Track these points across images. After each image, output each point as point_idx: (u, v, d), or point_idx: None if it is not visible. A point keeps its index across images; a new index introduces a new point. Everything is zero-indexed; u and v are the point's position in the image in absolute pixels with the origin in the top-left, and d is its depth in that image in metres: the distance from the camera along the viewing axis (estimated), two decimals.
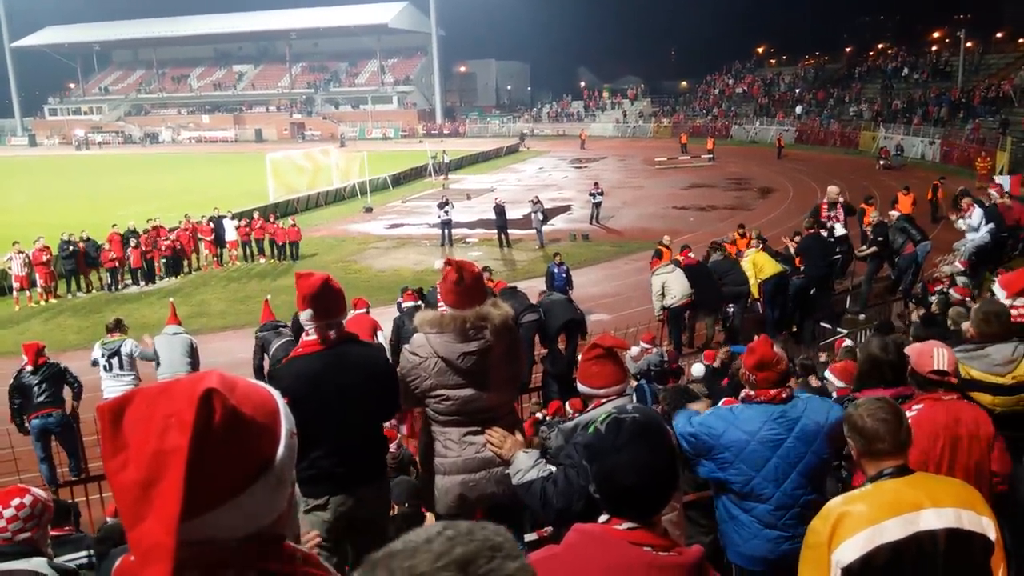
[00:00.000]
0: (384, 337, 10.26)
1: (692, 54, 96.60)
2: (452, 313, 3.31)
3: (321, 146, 45.84)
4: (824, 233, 12.92)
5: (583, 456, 1.81)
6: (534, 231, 22.46)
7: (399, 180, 37.28)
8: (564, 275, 15.28)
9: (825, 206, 13.65)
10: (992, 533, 2.20)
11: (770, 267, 12.02)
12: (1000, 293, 4.31)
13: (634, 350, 9.48)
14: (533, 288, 12.81)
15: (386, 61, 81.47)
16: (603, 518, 1.79)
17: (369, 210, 29.73)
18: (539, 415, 8.52)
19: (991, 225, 12.85)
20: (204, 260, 21.88)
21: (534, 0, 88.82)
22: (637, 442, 1.74)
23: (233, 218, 22.37)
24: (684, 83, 79.97)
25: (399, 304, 11.64)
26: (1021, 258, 13.12)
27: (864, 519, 2.19)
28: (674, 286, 11.97)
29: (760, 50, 71.50)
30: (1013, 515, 3.27)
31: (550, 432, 6.66)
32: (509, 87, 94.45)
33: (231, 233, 21.95)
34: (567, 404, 7.78)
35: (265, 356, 7.91)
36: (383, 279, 18.96)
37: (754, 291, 12.13)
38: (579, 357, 3.69)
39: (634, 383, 8.61)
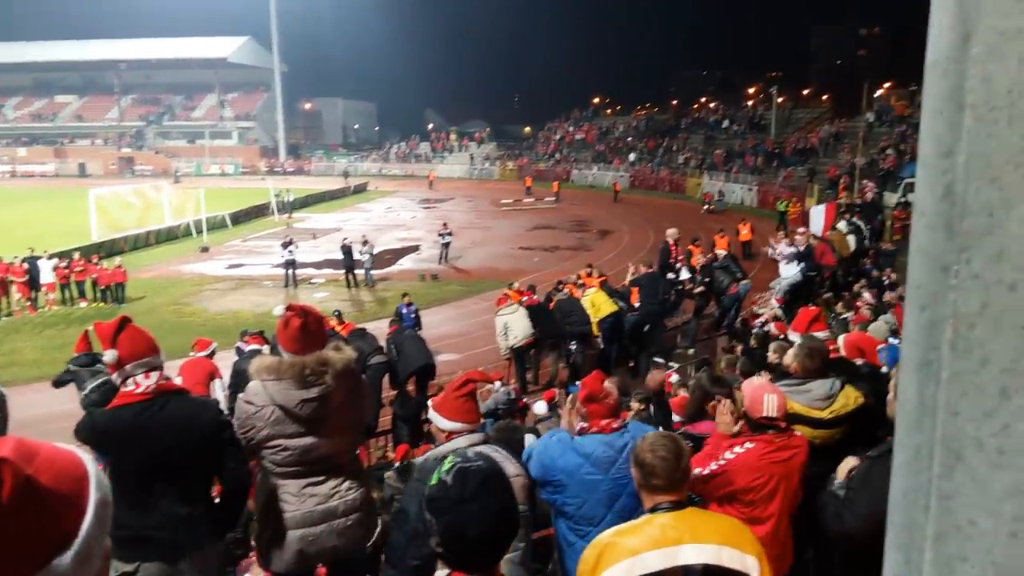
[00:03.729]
0: (223, 384, 9.74)
1: (534, 101, 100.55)
2: (291, 359, 3.21)
3: (153, 182, 43.29)
4: (671, 275, 13.71)
5: (426, 509, 1.77)
6: (363, 271, 22.41)
7: (239, 218, 35.72)
8: (413, 315, 15.22)
9: (673, 246, 14.50)
10: (755, 572, 2.26)
11: (607, 306, 12.57)
12: (792, 334, 4.73)
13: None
14: (382, 328, 12.65)
15: (226, 95, 78.50)
16: (442, 573, 1.75)
17: (205, 250, 28.29)
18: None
19: (803, 264, 14.17)
20: (16, 304, 19.90)
21: (382, 41, 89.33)
22: (485, 491, 1.71)
23: (51, 258, 20.55)
24: (527, 128, 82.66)
25: (239, 348, 11.10)
26: (829, 294, 14.51)
27: (627, 550, 2.24)
28: (515, 326, 12.24)
29: (596, 100, 75.31)
30: (818, 541, 3.60)
31: (397, 477, 6.58)
32: (356, 126, 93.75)
33: (48, 275, 20.12)
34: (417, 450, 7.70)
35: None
36: (220, 322, 18.02)
37: (594, 329, 12.63)
38: (429, 400, 3.66)
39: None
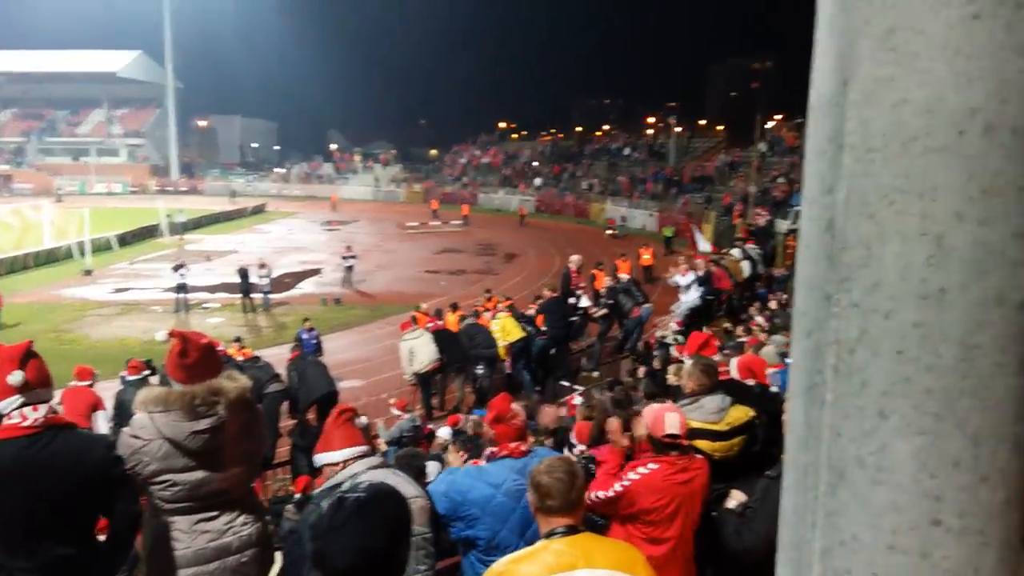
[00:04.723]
0: (107, 415, 9.22)
1: (441, 124, 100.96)
2: (179, 389, 3.05)
3: (33, 201, 40.81)
4: (572, 300, 13.95)
5: (307, 536, 1.74)
6: (261, 295, 21.86)
7: (127, 240, 34.01)
8: (315, 341, 14.88)
9: (575, 273, 14.77)
10: None
11: (516, 331, 12.68)
12: (685, 357, 4.91)
13: None
14: (281, 356, 12.31)
15: (114, 111, 74.95)
16: None
17: (88, 273, 26.77)
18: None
19: (702, 289, 14.73)
20: None
21: (284, 58, 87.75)
22: (356, 522, 1.69)
23: None
24: (434, 151, 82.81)
25: (123, 377, 10.52)
26: (726, 318, 15.11)
27: None
28: (421, 351, 12.16)
29: (503, 125, 76.32)
30: (717, 559, 3.72)
31: (296, 510, 6.37)
32: (255, 145, 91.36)
33: None
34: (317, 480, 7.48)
35: None
36: (105, 350, 17.02)
37: (501, 353, 12.70)
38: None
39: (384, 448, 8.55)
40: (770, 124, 45.12)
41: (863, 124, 0.87)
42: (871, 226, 0.87)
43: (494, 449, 3.48)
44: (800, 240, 0.98)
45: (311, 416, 10.16)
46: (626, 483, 3.39)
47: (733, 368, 5.32)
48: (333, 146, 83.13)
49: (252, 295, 21.58)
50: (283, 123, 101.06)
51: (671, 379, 6.46)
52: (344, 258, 25.52)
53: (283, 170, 71.35)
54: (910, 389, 0.86)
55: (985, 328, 0.84)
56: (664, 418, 3.48)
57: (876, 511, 0.88)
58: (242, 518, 3.25)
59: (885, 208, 0.86)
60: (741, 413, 4.21)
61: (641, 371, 10.25)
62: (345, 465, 3.17)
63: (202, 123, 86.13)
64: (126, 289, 24.86)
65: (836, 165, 0.90)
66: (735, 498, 3.72)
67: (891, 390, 0.86)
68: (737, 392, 4.48)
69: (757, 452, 4.08)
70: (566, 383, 12.44)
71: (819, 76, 0.94)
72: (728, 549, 3.62)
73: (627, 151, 55.26)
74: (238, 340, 12.56)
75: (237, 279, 21.71)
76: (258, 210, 50.60)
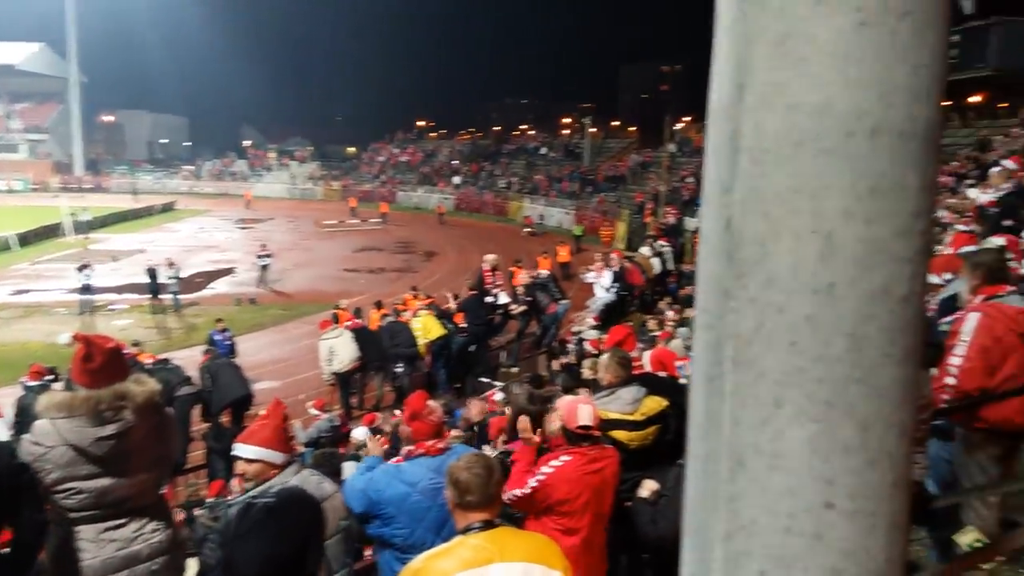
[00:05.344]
0: (7, 423, 8.74)
1: (358, 121, 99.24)
2: (84, 394, 2.93)
3: None
4: (490, 299, 13.96)
5: (216, 543, 1.69)
6: (170, 295, 21.16)
7: (28, 240, 32.28)
8: (228, 342, 14.44)
9: (488, 273, 14.79)
10: None
11: (437, 329, 12.63)
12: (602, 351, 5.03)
13: None
14: (192, 358, 11.91)
15: (13, 105, 70.63)
16: None
17: None
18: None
19: (616, 284, 15.03)
20: None
21: (196, 53, 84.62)
22: (262, 530, 1.65)
23: None
24: (352, 148, 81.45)
25: (24, 383, 9.99)
26: (639, 312, 15.45)
27: (439, 573, 2.30)
28: (341, 350, 11.99)
29: (421, 123, 75.73)
30: (632, 547, 3.81)
31: (211, 515, 6.18)
32: (165, 141, 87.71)
33: None
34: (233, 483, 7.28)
35: None
36: (5, 354, 16.20)
37: (422, 351, 12.63)
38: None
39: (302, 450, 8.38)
40: (679, 126, 46.27)
41: (758, 127, 0.91)
42: (766, 224, 0.91)
43: (411, 448, 3.47)
44: (701, 238, 1.02)
45: (225, 419, 9.88)
46: (540, 478, 3.43)
47: (645, 361, 5.45)
48: (247, 142, 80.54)
49: (161, 296, 20.81)
50: (194, 118, 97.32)
51: (586, 373, 6.56)
52: (259, 257, 24.91)
53: (194, 167, 68.88)
54: (803, 379, 0.90)
55: (872, 320, 0.89)
56: (577, 410, 3.55)
57: (773, 496, 0.92)
58: (152, 525, 3.15)
59: (779, 207, 0.90)
60: (655, 403, 4.33)
61: (557, 365, 10.38)
62: (262, 467, 3.09)
63: (108, 118, 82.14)
64: (27, 291, 23.66)
65: (733, 166, 0.94)
66: (649, 487, 3.81)
67: (785, 380, 0.91)
68: (651, 383, 4.61)
69: (670, 441, 4.20)
70: (485, 379, 12.47)
71: (718, 81, 0.97)
72: (643, 537, 3.71)
73: (544, 151, 55.75)
74: (136, 344, 12.06)
75: (145, 279, 20.94)
76: (167, 208, 48.75)
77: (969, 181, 14.93)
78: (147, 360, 10.80)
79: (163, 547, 3.16)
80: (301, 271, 27.84)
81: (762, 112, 0.91)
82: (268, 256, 24.97)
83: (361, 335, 12.44)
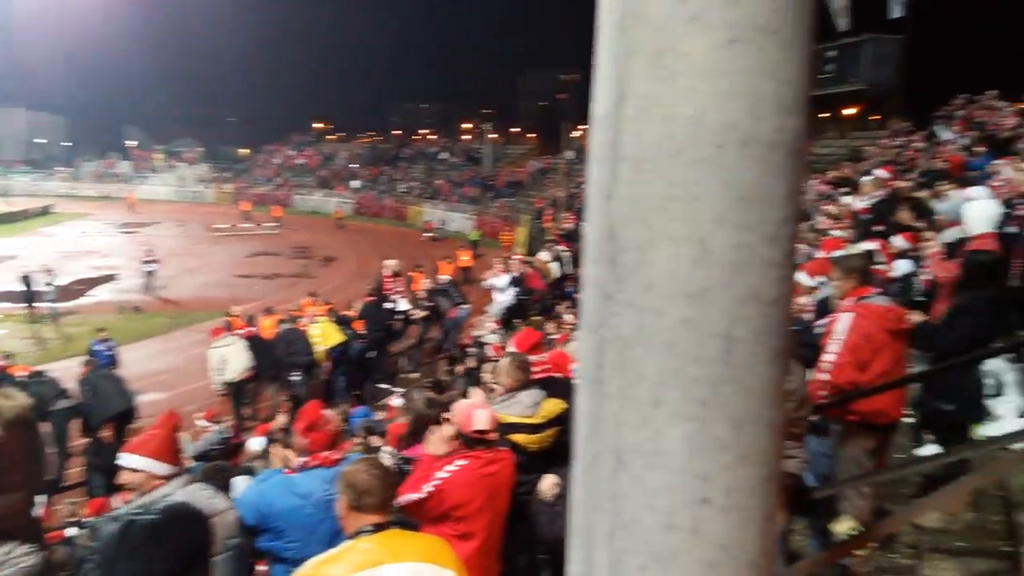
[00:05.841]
0: None
1: (252, 122, 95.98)
2: None
3: None
4: (390, 305, 13.78)
5: (95, 562, 1.60)
6: (47, 304, 19.87)
7: None
8: (110, 353, 13.68)
9: (388, 278, 14.61)
10: None
11: (335, 336, 12.38)
12: (514, 351, 5.07)
13: None
14: (72, 369, 11.22)
15: None
16: None
17: None
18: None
19: (516, 289, 15.15)
20: None
21: (76, 46, 79.77)
22: (144, 548, 1.59)
23: None
24: (244, 150, 78.78)
25: None
26: (539, 316, 15.62)
27: None
28: (233, 359, 11.59)
29: (318, 125, 74.15)
30: (531, 547, 3.84)
31: (90, 535, 5.83)
32: (42, 140, 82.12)
33: None
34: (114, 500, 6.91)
35: None
36: None
37: (320, 359, 12.35)
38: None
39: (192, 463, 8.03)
40: (577, 133, 47.17)
41: (637, 137, 0.94)
42: (644, 231, 0.94)
43: (305, 459, 3.38)
44: (585, 244, 1.04)
45: (107, 433, 9.35)
46: (435, 483, 3.42)
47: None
48: (131, 142, 76.53)
49: (36, 304, 19.52)
50: (74, 117, 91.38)
51: (486, 377, 6.59)
52: (144, 263, 23.81)
53: (73, 168, 64.91)
54: (680, 379, 0.94)
55: (743, 322, 0.94)
56: (473, 414, 3.56)
57: (653, 493, 0.95)
58: (22, 548, 2.94)
59: (656, 214, 0.93)
60: (554, 406, 4.39)
61: (458, 370, 10.38)
62: (149, 479, 2.94)
63: None
64: None
65: (614, 174, 0.96)
66: (550, 481, 3.85)
67: (664, 381, 0.94)
68: (550, 386, 4.66)
69: (569, 443, 4.26)
70: (385, 385, 12.33)
71: (600, 91, 1.00)
72: (541, 537, 3.75)
73: (444, 155, 55.70)
74: (8, 356, 11.29)
75: (20, 287, 19.59)
76: (44, 211, 45.67)
77: (843, 190, 15.88)
78: (20, 373, 10.16)
79: (35, 571, 2.97)
80: (190, 277, 26.70)
81: (641, 122, 0.94)
82: (154, 262, 23.94)
83: (254, 343, 12.07)
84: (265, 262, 30.80)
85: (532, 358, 4.88)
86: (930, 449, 5.24)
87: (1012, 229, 6.98)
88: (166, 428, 3.06)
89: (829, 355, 4.28)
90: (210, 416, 9.72)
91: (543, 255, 18.33)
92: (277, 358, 12.10)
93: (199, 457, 8.42)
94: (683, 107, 0.92)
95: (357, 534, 2.42)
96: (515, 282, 15.18)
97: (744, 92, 0.92)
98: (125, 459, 3.11)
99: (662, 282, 0.93)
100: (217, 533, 2.61)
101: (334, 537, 3.18)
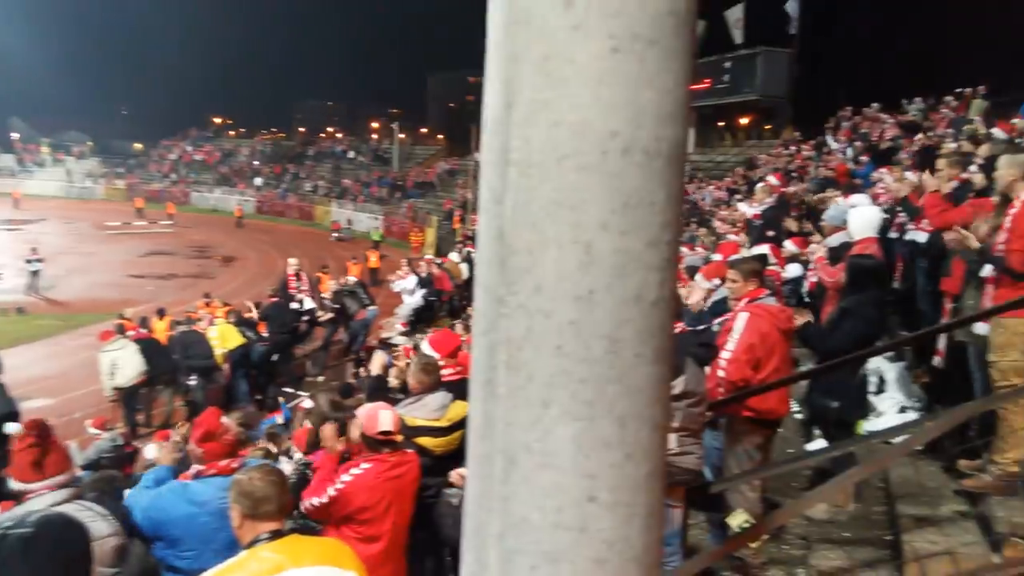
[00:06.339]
0: None
1: (145, 116, 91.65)
2: None
3: None
4: (295, 305, 13.45)
5: None
6: None
7: None
8: None
9: (292, 277, 14.25)
10: None
11: (235, 338, 11.99)
12: (431, 352, 5.04)
13: None
14: None
15: None
16: None
17: None
18: None
19: (424, 290, 15.10)
20: None
21: None
22: (17, 563, 1.50)
23: None
24: (138, 145, 75.24)
25: None
26: (448, 317, 15.60)
27: None
28: (125, 363, 11.07)
29: (218, 120, 71.66)
30: (437, 550, 3.83)
31: None
32: None
33: None
34: None
35: None
36: None
37: (219, 361, 11.93)
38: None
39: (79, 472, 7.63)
40: None
41: (525, 142, 0.96)
42: (533, 234, 0.96)
43: (202, 468, 3.26)
44: (477, 246, 1.05)
45: None
46: (340, 486, 3.37)
47: None
48: (15, 135, 71.74)
49: None
50: None
51: (393, 380, 6.52)
52: (28, 261, 22.61)
53: None
54: (567, 380, 0.96)
55: (627, 324, 0.97)
56: (378, 416, 3.53)
57: (543, 493, 0.97)
58: None
59: (544, 218, 0.95)
60: (462, 409, 4.38)
61: (366, 373, 10.22)
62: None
63: None
64: None
65: (504, 178, 0.98)
66: (459, 473, 3.84)
67: (552, 382, 0.96)
68: (458, 388, 4.66)
69: None
70: (289, 389, 12.03)
71: (490, 95, 1.01)
72: (446, 539, 3.75)
73: (351, 154, 54.84)
74: None
75: None
76: None
77: (738, 196, 16.56)
78: None
79: None
80: (78, 277, 25.33)
81: (528, 128, 0.96)
82: (39, 260, 22.78)
83: (148, 346, 11.56)
84: (160, 262, 29.55)
85: (443, 361, 4.87)
86: (818, 444, 5.54)
87: (893, 234, 7.45)
88: (24, 442, 2.87)
89: (726, 353, 4.46)
90: (100, 423, 9.24)
91: (453, 256, 18.35)
92: (173, 362, 11.63)
93: (88, 466, 7.99)
94: (569, 114, 0.94)
95: (254, 543, 2.36)
96: (423, 283, 15.12)
97: (625, 101, 0.94)
98: (10, 483, 2.91)
99: (550, 285, 0.95)
100: (95, 556, 2.41)
101: (231, 547, 3.08)
